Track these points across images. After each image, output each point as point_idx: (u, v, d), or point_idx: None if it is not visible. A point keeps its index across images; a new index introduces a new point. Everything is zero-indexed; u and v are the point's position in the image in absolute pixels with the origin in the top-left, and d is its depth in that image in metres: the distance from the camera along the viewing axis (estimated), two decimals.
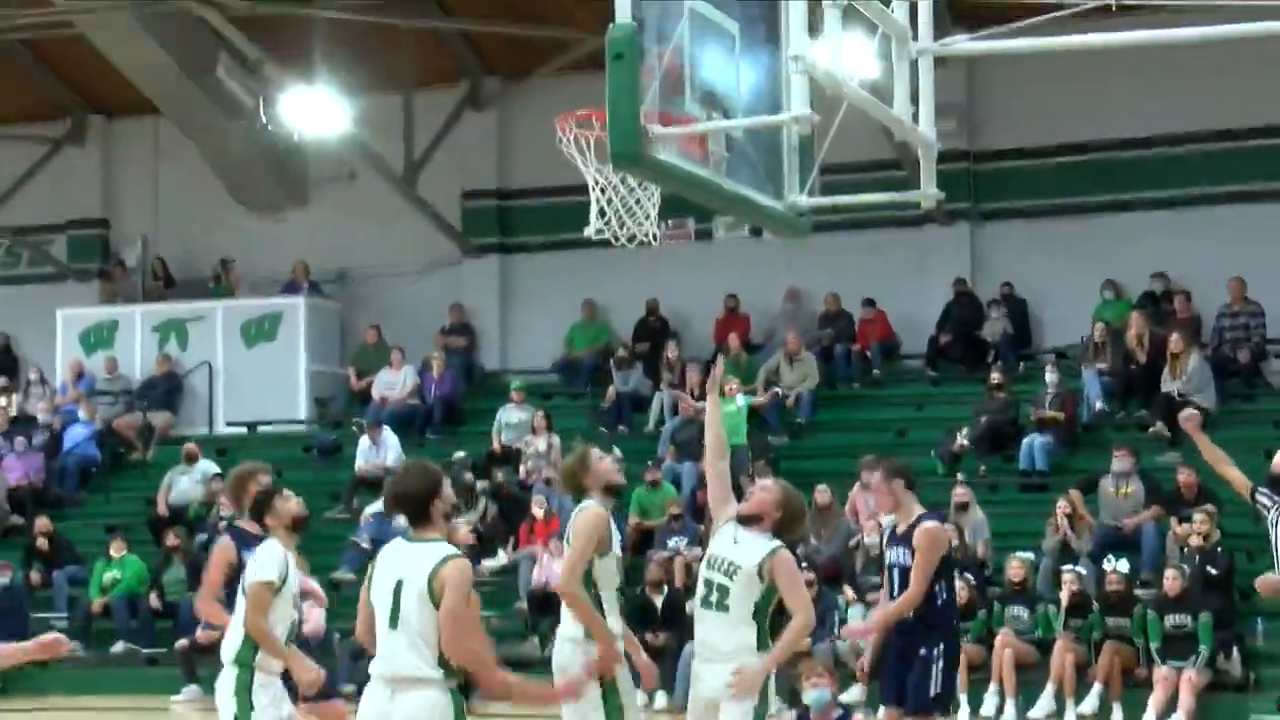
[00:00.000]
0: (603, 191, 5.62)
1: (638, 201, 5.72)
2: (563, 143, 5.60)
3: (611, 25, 4.54)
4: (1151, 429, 12.12)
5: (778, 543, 5.01)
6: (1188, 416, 6.93)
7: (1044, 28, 5.60)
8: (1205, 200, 13.37)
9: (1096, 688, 9.76)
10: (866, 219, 13.23)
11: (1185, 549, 10.34)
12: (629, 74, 4.54)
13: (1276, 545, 6.44)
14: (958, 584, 10.20)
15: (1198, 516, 10.28)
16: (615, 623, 5.15)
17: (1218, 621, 9.74)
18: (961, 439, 12.40)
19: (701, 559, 5.24)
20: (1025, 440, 12.18)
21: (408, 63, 14.15)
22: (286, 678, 5.37)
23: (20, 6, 13.50)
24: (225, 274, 15.92)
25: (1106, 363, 12.70)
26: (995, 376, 12.70)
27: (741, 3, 5.18)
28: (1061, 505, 10.94)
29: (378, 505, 12.03)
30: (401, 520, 4.59)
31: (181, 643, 11.64)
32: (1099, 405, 12.51)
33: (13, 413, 15.20)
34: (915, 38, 5.65)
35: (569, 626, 5.14)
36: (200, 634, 11.25)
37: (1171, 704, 9.52)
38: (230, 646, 5.26)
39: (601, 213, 5.58)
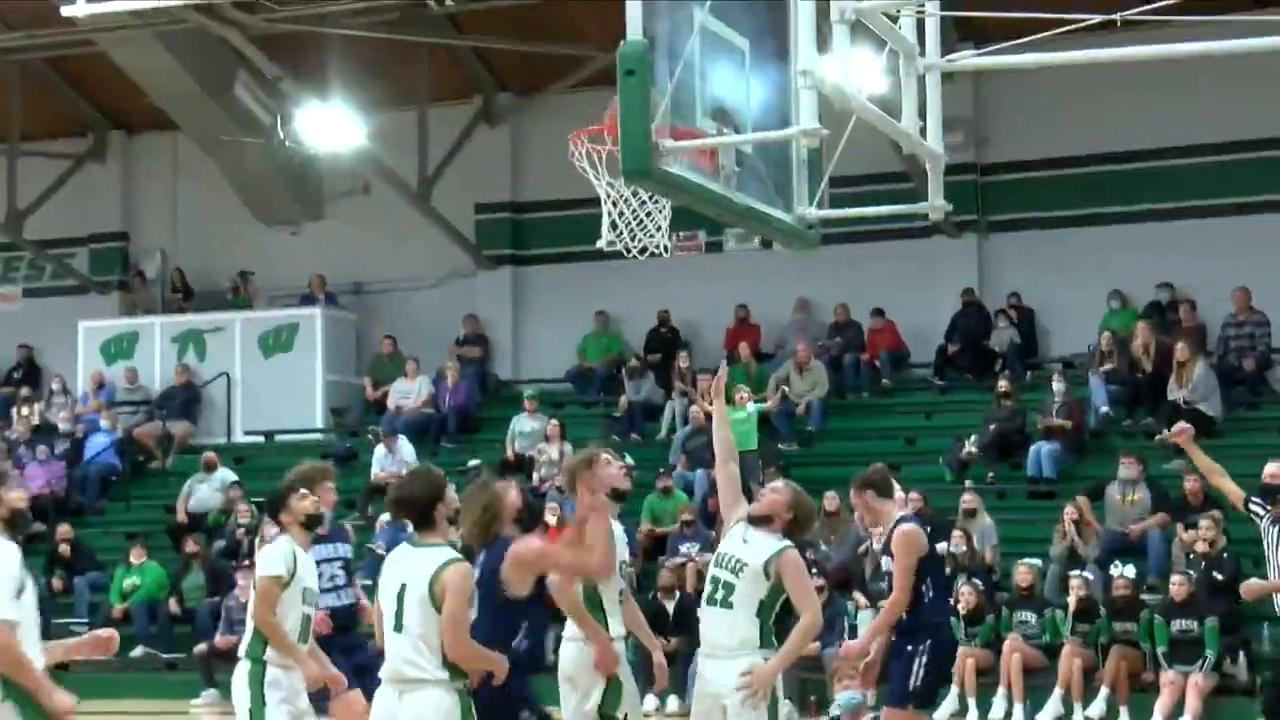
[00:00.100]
0: (614, 204, 5.66)
1: (649, 214, 5.80)
2: (574, 156, 5.68)
3: (623, 42, 4.60)
4: (1158, 436, 12.22)
5: (787, 542, 5.06)
6: (1180, 429, 7.01)
7: (1050, 43, 5.64)
8: (1210, 211, 13.48)
9: (1104, 692, 9.81)
10: (875, 231, 13.32)
11: (1191, 555, 10.40)
12: (640, 89, 4.58)
13: (1271, 553, 6.51)
14: (965, 589, 10.45)
15: (1203, 522, 10.35)
16: (616, 625, 5.19)
17: (1224, 626, 9.78)
18: (970, 447, 12.50)
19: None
20: (1033, 448, 12.27)
21: (422, 79, 14.35)
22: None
23: (44, 26, 13.75)
24: (243, 286, 16.12)
25: (1113, 366, 12.80)
26: (1003, 385, 12.81)
27: (751, 19, 5.24)
28: (1069, 512, 11.00)
29: None
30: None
31: (200, 647, 11.80)
32: (1104, 409, 12.58)
33: (35, 422, 15.40)
34: (923, 53, 5.70)
35: (571, 627, 5.19)
36: (219, 639, 11.43)
37: (1178, 708, 9.59)
38: (244, 641, 5.37)
39: (613, 225, 5.62)
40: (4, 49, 14.77)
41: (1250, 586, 6.90)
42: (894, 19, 5.51)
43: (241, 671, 5.34)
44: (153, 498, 14.87)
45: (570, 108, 12.99)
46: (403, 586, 4.16)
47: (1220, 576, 10.11)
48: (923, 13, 5.63)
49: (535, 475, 13.24)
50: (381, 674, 4.21)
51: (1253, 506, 6.63)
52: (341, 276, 15.90)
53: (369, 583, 11.76)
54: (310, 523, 5.41)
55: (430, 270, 15.66)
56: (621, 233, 5.63)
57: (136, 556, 12.97)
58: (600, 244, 5.56)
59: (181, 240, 16.56)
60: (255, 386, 15.43)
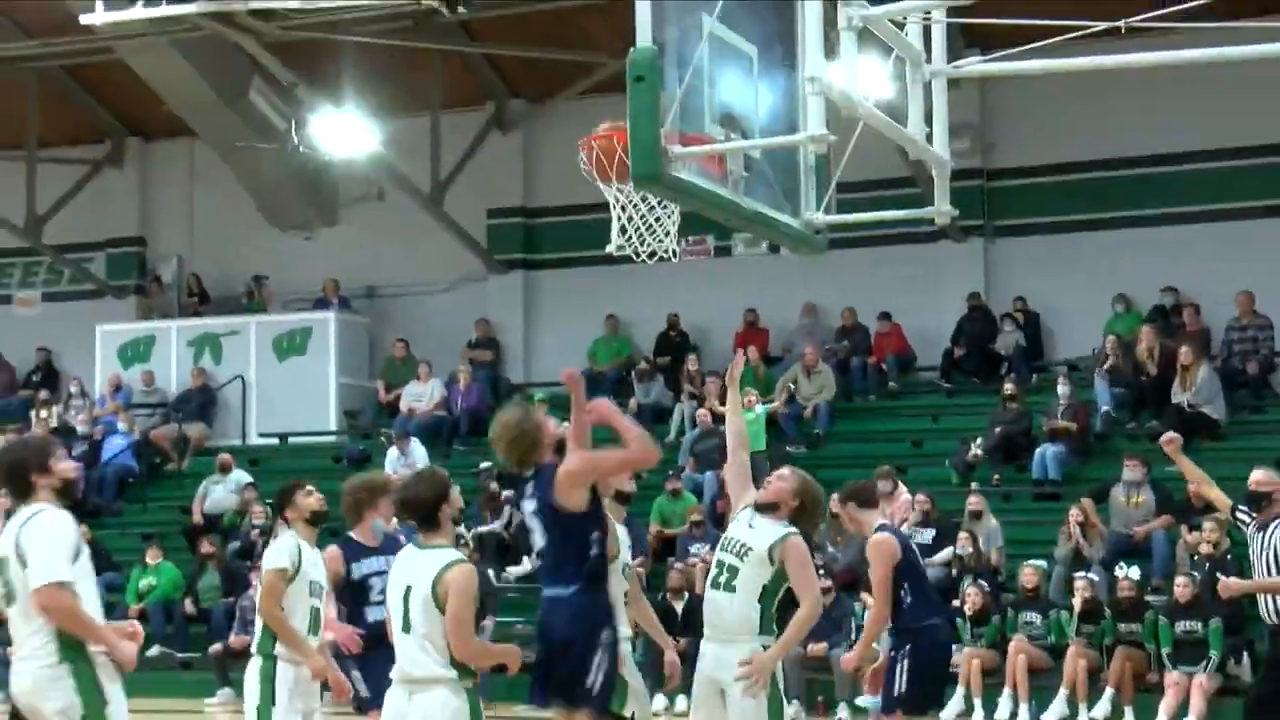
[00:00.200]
0: (623, 209, 5.66)
1: (657, 219, 5.87)
2: (582, 162, 5.74)
3: (633, 49, 4.63)
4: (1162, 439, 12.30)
5: (792, 529, 5.11)
6: (1168, 439, 7.04)
7: (1055, 49, 5.65)
8: (1214, 216, 13.56)
9: (1109, 692, 9.85)
10: (882, 235, 13.46)
11: (1195, 556, 10.44)
12: (650, 96, 4.61)
13: (1256, 559, 6.54)
14: (970, 590, 10.54)
15: (1207, 525, 10.39)
16: (623, 626, 5.16)
17: (1228, 627, 9.81)
18: (975, 449, 12.59)
19: None
20: (1038, 450, 12.34)
21: (435, 86, 14.48)
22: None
23: (63, 34, 13.94)
24: (258, 290, 16.27)
25: (1117, 368, 12.88)
26: (1008, 388, 12.88)
27: (759, 26, 5.27)
28: (1074, 514, 11.05)
29: None
30: None
31: (215, 647, 11.92)
32: (1105, 408, 12.64)
33: (53, 424, 15.56)
34: (929, 60, 5.73)
35: None
36: (234, 638, 11.56)
37: (1183, 708, 9.63)
38: (255, 637, 5.47)
39: (623, 229, 5.62)
40: (23, 56, 14.96)
41: (1228, 585, 6.96)
42: (900, 26, 5.55)
43: (253, 667, 5.43)
44: (169, 499, 15.01)
45: (581, 114, 13.07)
46: (408, 588, 4.22)
47: (1224, 578, 10.14)
48: (929, 20, 5.68)
49: None
50: (392, 675, 4.28)
51: (1239, 514, 6.69)
52: (355, 281, 16.04)
53: None
54: (315, 519, 5.46)
55: (442, 274, 15.80)
56: (630, 237, 5.65)
57: (153, 557, 13.09)
58: (610, 249, 5.60)
59: (198, 245, 16.73)
60: (270, 389, 15.56)
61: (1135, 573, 10.33)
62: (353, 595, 5.69)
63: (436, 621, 4.13)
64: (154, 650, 12.59)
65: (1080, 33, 5.54)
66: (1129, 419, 12.82)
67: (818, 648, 10.34)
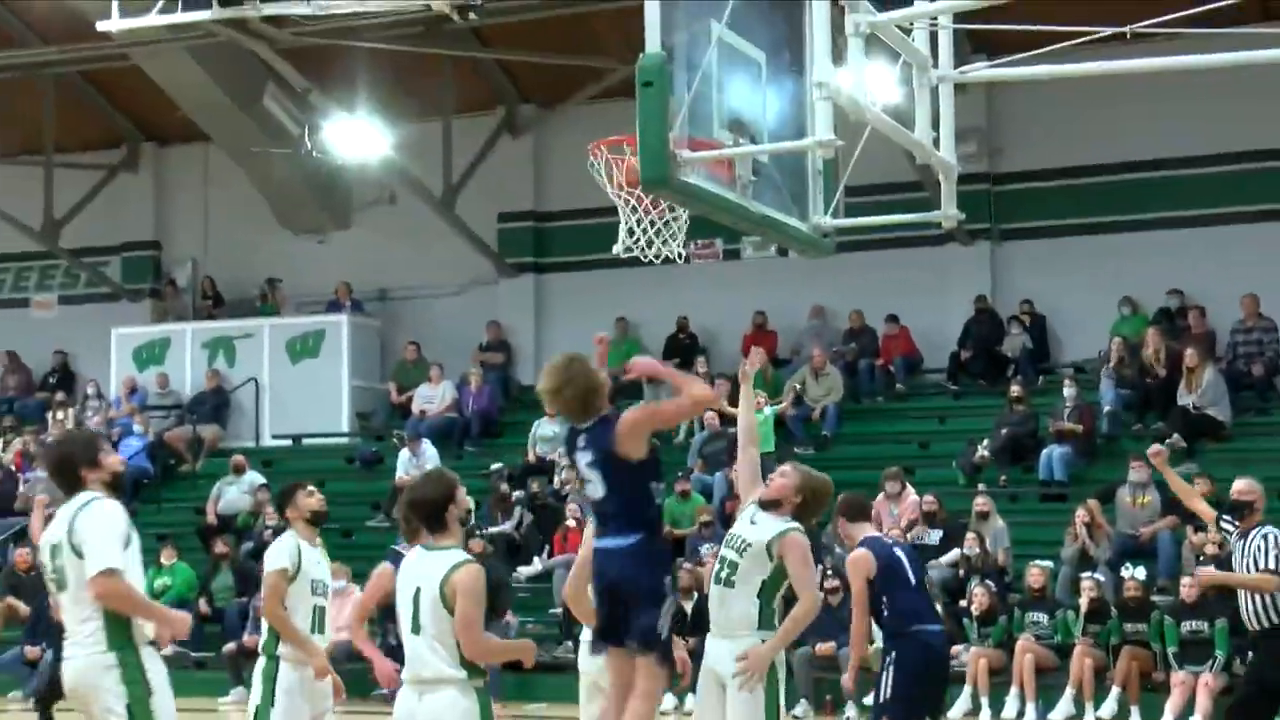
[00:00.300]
0: (633, 211, 5.72)
1: (665, 223, 5.94)
2: (592, 166, 5.68)
3: (642, 54, 4.66)
4: (1167, 441, 12.38)
5: (793, 524, 5.15)
6: (1155, 452, 7.13)
7: (1062, 54, 5.71)
8: (1220, 220, 13.62)
9: (1115, 691, 9.91)
10: (889, 239, 13.55)
11: (1201, 556, 10.44)
12: (658, 101, 4.64)
13: (1239, 567, 6.57)
14: (978, 590, 10.62)
15: (1212, 525, 10.49)
16: None
17: (1233, 627, 9.74)
18: (982, 450, 12.66)
19: None
20: (1044, 451, 12.42)
21: (446, 91, 14.57)
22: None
23: (79, 40, 14.09)
24: (271, 293, 16.41)
25: (1123, 370, 12.96)
26: (1015, 390, 12.97)
27: (768, 32, 5.31)
28: (1080, 514, 11.11)
29: None
30: None
31: (229, 646, 12.04)
32: (1107, 408, 12.69)
33: (69, 426, 15.72)
34: (936, 65, 5.77)
35: (589, 631, 5.25)
36: (247, 638, 11.68)
37: (1189, 708, 9.67)
38: (261, 637, 5.54)
39: (630, 232, 5.70)
40: (40, 63, 15.12)
41: (1204, 574, 7.02)
42: (907, 32, 5.59)
43: (258, 667, 5.52)
44: (183, 500, 15.14)
45: (591, 119, 13.27)
46: (417, 589, 4.22)
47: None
48: (936, 25, 5.72)
49: (556, 478, 13.47)
50: (401, 675, 4.30)
51: (1224, 524, 6.77)
52: (367, 284, 16.16)
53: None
54: (315, 519, 5.50)
55: (454, 278, 15.92)
56: (638, 238, 5.67)
57: (167, 557, 13.21)
58: (617, 250, 5.64)
59: (212, 249, 16.87)
60: (283, 391, 15.68)
61: (1141, 573, 10.38)
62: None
63: (445, 622, 4.16)
64: (168, 649, 12.69)
65: (1086, 38, 5.59)
66: (1135, 420, 12.89)
67: (826, 647, 10.42)
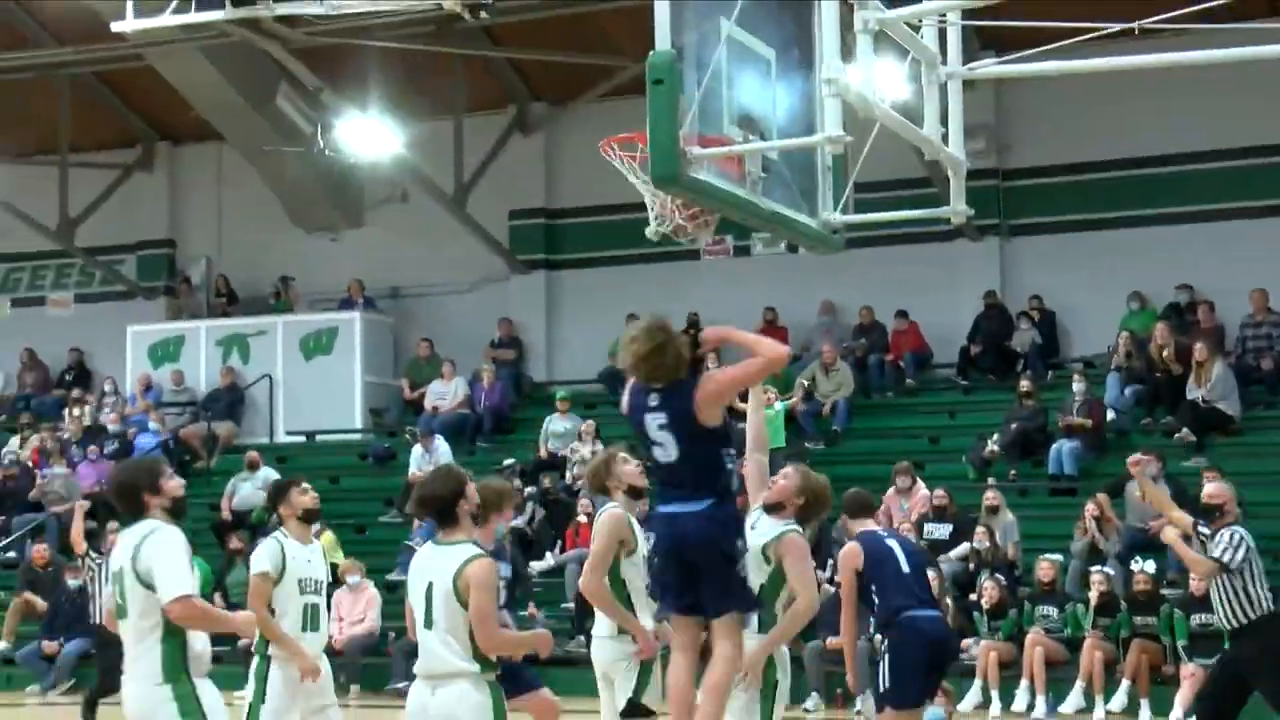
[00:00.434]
0: (655, 196, 5.57)
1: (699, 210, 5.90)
2: (616, 158, 5.67)
3: (652, 52, 4.67)
4: (1177, 435, 12.43)
5: (792, 526, 5.16)
6: (1134, 461, 7.26)
7: (1070, 50, 5.68)
8: (1228, 215, 13.63)
9: (1125, 684, 9.93)
10: (899, 235, 13.58)
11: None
12: (669, 98, 4.65)
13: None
14: (987, 584, 10.67)
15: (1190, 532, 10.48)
16: (646, 619, 5.26)
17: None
18: (992, 445, 12.71)
19: None
20: (1054, 446, 12.45)
21: (458, 90, 14.63)
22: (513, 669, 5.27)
23: (94, 41, 14.21)
24: (285, 291, 16.51)
25: (1132, 364, 12.99)
26: (1024, 385, 12.99)
27: (777, 30, 5.32)
28: (1089, 508, 11.13)
29: None
30: None
31: (243, 641, 12.11)
32: (1112, 405, 12.70)
33: (86, 422, 15.85)
34: (944, 62, 5.77)
35: (603, 625, 5.28)
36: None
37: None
38: (254, 637, 5.58)
39: (657, 217, 5.59)
40: (55, 64, 15.25)
41: (1161, 532, 7.09)
42: (916, 28, 5.61)
43: (251, 666, 5.61)
44: (198, 496, 15.14)
45: (602, 116, 13.35)
46: (430, 584, 4.25)
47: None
48: (944, 22, 5.75)
49: (568, 474, 13.55)
50: (414, 670, 4.33)
51: (1200, 529, 6.87)
52: (380, 281, 16.25)
53: (404, 578, 12.26)
54: (307, 517, 5.52)
55: (466, 275, 16.00)
56: (665, 222, 5.57)
57: None
58: (649, 234, 5.59)
59: (226, 247, 16.99)
60: (296, 388, 15.78)
61: (1150, 566, 10.39)
62: None
63: (459, 616, 4.18)
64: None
65: (1094, 34, 5.59)
66: (1144, 415, 12.92)
67: (836, 641, 10.45)
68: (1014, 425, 12.76)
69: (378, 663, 11.80)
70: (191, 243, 17.17)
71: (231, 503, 14.24)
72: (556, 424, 14.20)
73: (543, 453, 13.98)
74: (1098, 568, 10.56)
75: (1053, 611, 10.57)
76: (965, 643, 10.53)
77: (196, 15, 12.32)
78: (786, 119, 5.38)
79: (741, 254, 14.86)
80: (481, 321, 15.73)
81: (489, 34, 14.78)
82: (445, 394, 15.12)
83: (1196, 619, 9.96)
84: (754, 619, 5.01)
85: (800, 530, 5.23)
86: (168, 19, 12.36)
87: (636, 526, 5.36)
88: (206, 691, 4.38)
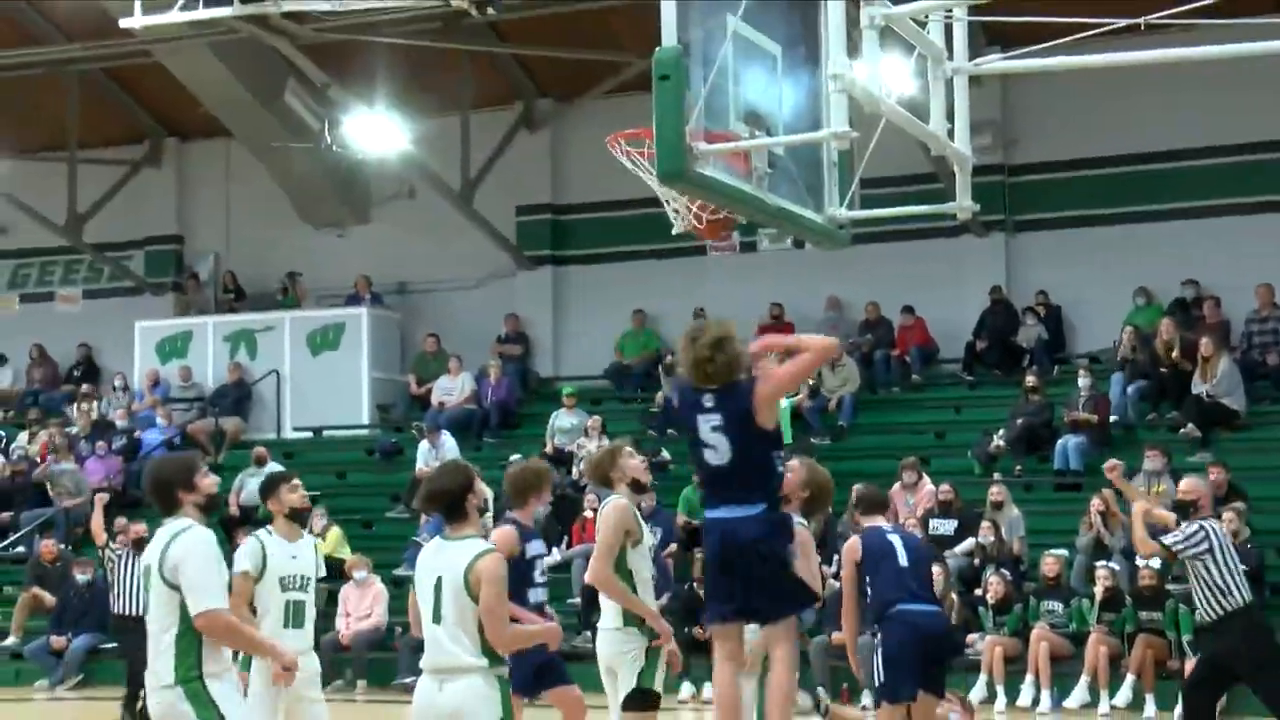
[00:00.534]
0: (672, 198, 5.65)
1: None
2: (624, 156, 5.64)
3: (658, 48, 4.71)
4: (1182, 430, 12.45)
5: (796, 520, 5.18)
6: (1110, 466, 7.33)
7: (1076, 46, 5.71)
8: (1234, 210, 13.64)
9: (1129, 679, 9.95)
10: (905, 230, 13.54)
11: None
12: (675, 94, 4.69)
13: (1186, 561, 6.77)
14: (993, 579, 10.69)
15: (1227, 514, 10.41)
16: (652, 607, 5.34)
17: None
18: (998, 440, 12.72)
19: None
20: (1059, 441, 12.45)
21: (464, 86, 14.67)
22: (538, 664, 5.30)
23: (102, 37, 14.27)
24: (292, 287, 16.55)
25: (1137, 360, 13.00)
26: (1030, 380, 13.01)
27: (783, 26, 5.37)
28: (1095, 503, 11.11)
29: None
30: None
31: None
32: (1115, 401, 12.73)
33: (94, 417, 15.90)
34: (951, 57, 5.81)
35: (608, 618, 5.35)
36: None
37: None
38: None
39: (676, 212, 5.66)
40: (64, 60, 15.30)
41: (1134, 507, 7.15)
42: (922, 24, 5.63)
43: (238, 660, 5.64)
44: None
45: (608, 112, 13.37)
46: (439, 579, 4.25)
47: (1244, 567, 10.23)
48: (950, 18, 5.77)
49: (574, 469, 13.58)
50: (421, 664, 4.34)
51: (1182, 525, 6.94)
52: (387, 277, 16.29)
53: (411, 574, 12.30)
54: (295, 515, 5.51)
55: (473, 271, 16.03)
56: (685, 217, 5.60)
57: None
58: (675, 231, 5.62)
59: (234, 243, 17.04)
60: (304, 384, 15.83)
61: (1155, 562, 10.39)
62: (519, 575, 5.57)
63: (469, 611, 4.18)
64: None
65: (1100, 30, 5.63)
66: (1150, 410, 12.93)
67: (841, 636, 10.47)
68: (1019, 420, 12.77)
69: (384, 658, 11.85)
70: (199, 239, 17.22)
71: (239, 498, 14.28)
72: (563, 419, 14.24)
73: (549, 448, 14.02)
74: (1103, 563, 10.57)
75: (1058, 606, 10.59)
76: (970, 638, 10.57)
77: (205, 12, 12.37)
78: (792, 115, 5.41)
79: (748, 250, 14.88)
80: (488, 317, 15.76)
81: (496, 30, 14.80)
82: (452, 389, 15.16)
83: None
84: None
85: (805, 523, 5.27)
86: (176, 15, 12.41)
87: (640, 518, 5.41)
88: (222, 689, 4.39)
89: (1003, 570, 10.83)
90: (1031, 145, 14.44)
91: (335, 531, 13.22)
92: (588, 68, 14.74)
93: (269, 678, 5.33)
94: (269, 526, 5.62)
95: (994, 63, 6.33)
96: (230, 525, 13.98)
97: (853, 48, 5.08)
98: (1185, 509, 6.87)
